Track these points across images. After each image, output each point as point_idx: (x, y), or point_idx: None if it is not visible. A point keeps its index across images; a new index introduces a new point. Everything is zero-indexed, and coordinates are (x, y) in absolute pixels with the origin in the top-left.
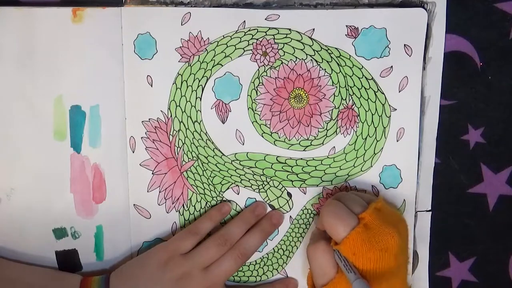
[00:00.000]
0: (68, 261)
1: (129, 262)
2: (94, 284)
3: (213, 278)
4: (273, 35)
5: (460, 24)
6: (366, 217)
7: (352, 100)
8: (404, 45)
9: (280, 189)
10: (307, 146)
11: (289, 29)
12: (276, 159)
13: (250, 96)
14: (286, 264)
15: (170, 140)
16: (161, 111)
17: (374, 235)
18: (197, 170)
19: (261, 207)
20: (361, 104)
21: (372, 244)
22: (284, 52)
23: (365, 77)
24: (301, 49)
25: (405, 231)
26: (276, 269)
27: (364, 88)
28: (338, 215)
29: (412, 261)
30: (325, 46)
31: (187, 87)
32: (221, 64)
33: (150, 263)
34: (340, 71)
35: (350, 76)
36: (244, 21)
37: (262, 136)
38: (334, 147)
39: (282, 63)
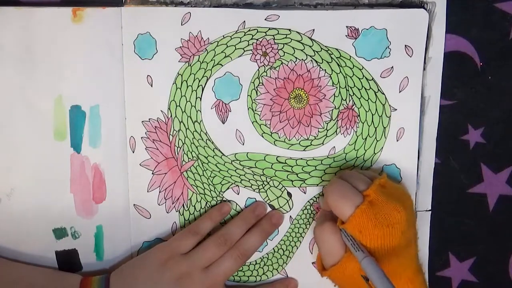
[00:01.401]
0: (68, 261)
1: (129, 262)
2: (94, 284)
3: (213, 278)
4: (273, 35)
5: (460, 24)
6: (370, 194)
7: (352, 100)
8: (405, 45)
9: (280, 189)
10: (307, 146)
11: (289, 30)
12: (276, 159)
13: (250, 96)
14: (286, 264)
15: (170, 140)
16: (161, 111)
17: (379, 211)
18: (197, 170)
19: (261, 207)
20: (361, 105)
21: (378, 220)
22: (284, 52)
23: (366, 78)
24: (301, 50)
25: (411, 206)
26: (276, 269)
27: (364, 88)
28: (343, 193)
29: None
30: (325, 46)
31: (187, 87)
32: (221, 64)
33: (150, 262)
34: (340, 71)
35: (350, 77)
36: (244, 21)
37: (262, 136)
38: (334, 147)
39: (282, 63)
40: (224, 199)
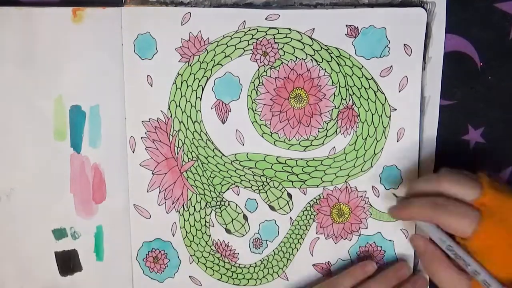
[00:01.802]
0: (68, 261)
1: None
2: None
3: None
4: (273, 35)
5: (460, 24)
6: (486, 202)
7: (352, 100)
8: (404, 44)
9: (280, 190)
10: (307, 146)
11: (289, 29)
12: (276, 160)
13: (250, 96)
14: (287, 266)
15: (170, 140)
16: (161, 111)
17: (504, 216)
18: (197, 171)
19: (404, 269)
20: (361, 104)
21: (507, 224)
22: (284, 52)
23: (365, 77)
24: (301, 49)
25: None
26: (276, 272)
27: (364, 88)
28: (456, 211)
29: (412, 261)
30: (325, 45)
31: (187, 87)
32: (221, 64)
33: None
34: (340, 70)
35: (350, 76)
36: (244, 21)
37: (262, 137)
38: (334, 147)
39: (282, 63)
40: (224, 199)
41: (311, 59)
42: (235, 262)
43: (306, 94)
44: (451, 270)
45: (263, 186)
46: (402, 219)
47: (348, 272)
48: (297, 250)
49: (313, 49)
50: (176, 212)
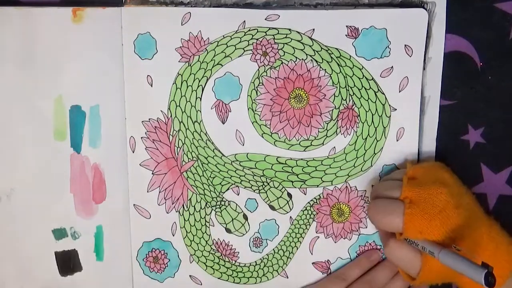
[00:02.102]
0: (68, 261)
1: None
2: None
3: None
4: (273, 35)
5: (460, 24)
6: (407, 195)
7: (352, 100)
8: (405, 45)
9: (280, 190)
10: (307, 147)
11: (289, 29)
12: (276, 160)
13: (250, 96)
14: (286, 265)
15: (170, 140)
16: (161, 111)
17: (425, 204)
18: (197, 171)
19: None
20: (361, 105)
21: (428, 213)
22: (284, 52)
23: (365, 78)
24: (301, 49)
25: (448, 175)
26: (276, 271)
27: (364, 88)
28: (383, 210)
29: None
30: (325, 46)
31: (187, 87)
32: (221, 64)
33: None
34: (340, 71)
35: (350, 77)
36: (244, 21)
37: (262, 137)
38: (334, 147)
39: (282, 63)
40: (224, 199)
41: (311, 60)
42: (235, 261)
43: (306, 95)
44: (405, 248)
45: (263, 186)
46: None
47: (354, 263)
48: (297, 249)
49: (313, 50)
50: (176, 212)
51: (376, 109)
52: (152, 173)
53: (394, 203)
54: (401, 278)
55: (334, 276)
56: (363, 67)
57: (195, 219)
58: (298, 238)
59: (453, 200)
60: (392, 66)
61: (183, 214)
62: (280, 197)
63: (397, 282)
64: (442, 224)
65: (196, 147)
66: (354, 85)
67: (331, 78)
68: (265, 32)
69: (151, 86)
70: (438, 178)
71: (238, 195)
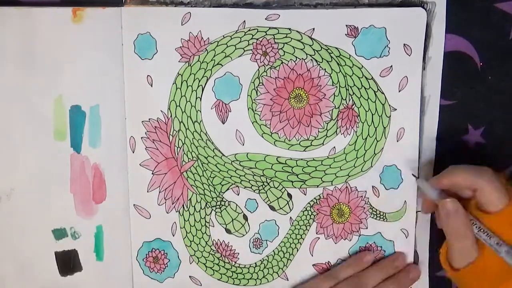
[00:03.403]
0: (68, 261)
1: None
2: None
3: None
4: (273, 35)
5: (460, 24)
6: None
7: (352, 100)
8: (404, 44)
9: (280, 190)
10: (307, 147)
11: (289, 29)
12: (276, 160)
13: (250, 96)
14: (287, 267)
15: (170, 140)
16: (161, 111)
17: None
18: (197, 171)
19: (401, 259)
20: (361, 104)
21: None
22: (284, 52)
23: (365, 77)
24: (301, 49)
25: None
26: (277, 272)
27: (364, 88)
28: (499, 185)
29: (412, 259)
30: (325, 45)
31: (187, 87)
32: (221, 64)
33: None
34: (340, 70)
35: (350, 76)
36: (244, 21)
37: (262, 137)
38: (334, 147)
39: (282, 63)
40: (224, 199)
41: (311, 59)
42: (235, 262)
43: (306, 94)
44: (471, 228)
45: (263, 186)
46: (442, 186)
47: (347, 263)
48: (297, 250)
49: (313, 49)
50: (176, 212)
51: (376, 109)
52: (152, 173)
53: (505, 188)
54: (393, 282)
55: (326, 275)
56: (362, 66)
57: (195, 219)
58: (298, 239)
59: None
60: (392, 66)
61: (183, 214)
62: (280, 197)
63: (390, 286)
64: None
65: (196, 147)
66: (354, 85)
67: (331, 77)
68: (265, 32)
69: (151, 86)
70: None
71: (238, 195)
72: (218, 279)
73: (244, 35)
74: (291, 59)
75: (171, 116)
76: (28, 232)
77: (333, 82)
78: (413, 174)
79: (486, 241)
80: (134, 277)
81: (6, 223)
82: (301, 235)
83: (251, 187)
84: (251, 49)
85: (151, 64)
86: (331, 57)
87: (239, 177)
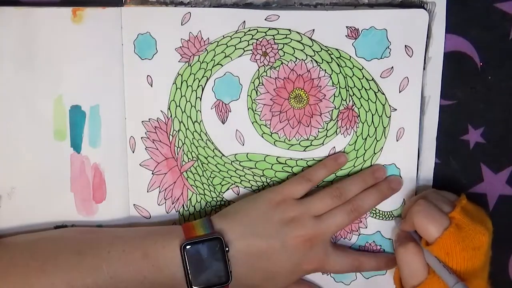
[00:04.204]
0: None
1: (237, 203)
2: (197, 226)
3: (323, 228)
4: (273, 35)
5: (460, 24)
6: (456, 216)
7: (352, 100)
8: (405, 46)
9: None
10: (307, 147)
11: (289, 30)
12: (276, 160)
13: (250, 96)
14: None
15: (170, 140)
16: (161, 111)
17: (466, 234)
18: (197, 171)
19: (381, 170)
20: (361, 105)
21: (465, 243)
22: (284, 52)
23: (366, 78)
24: (301, 50)
25: (491, 227)
26: None
27: (364, 88)
28: (431, 215)
29: None
30: (325, 47)
31: (187, 87)
32: (221, 64)
33: (262, 202)
34: (340, 71)
35: (350, 77)
36: (244, 21)
37: (262, 137)
38: (334, 147)
39: (282, 63)
40: (224, 199)
41: (311, 60)
42: None
43: (306, 95)
44: (420, 256)
45: (263, 186)
46: (407, 230)
47: (320, 163)
48: None
49: (313, 50)
50: (176, 212)
51: (376, 109)
52: (152, 173)
53: (443, 215)
54: (374, 192)
55: (299, 176)
56: (363, 67)
57: (195, 219)
58: None
59: (486, 247)
60: (392, 67)
61: (183, 214)
62: None
63: (370, 195)
64: (468, 260)
65: (196, 147)
66: (354, 86)
67: (331, 78)
68: (265, 32)
69: (151, 86)
70: (485, 223)
71: (238, 195)
72: None
73: (244, 35)
74: (291, 60)
75: (171, 116)
76: (29, 230)
77: (333, 83)
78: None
79: (435, 269)
80: None
81: (7, 221)
82: None
83: (251, 187)
84: (251, 50)
85: (151, 64)
86: (331, 58)
87: (239, 177)
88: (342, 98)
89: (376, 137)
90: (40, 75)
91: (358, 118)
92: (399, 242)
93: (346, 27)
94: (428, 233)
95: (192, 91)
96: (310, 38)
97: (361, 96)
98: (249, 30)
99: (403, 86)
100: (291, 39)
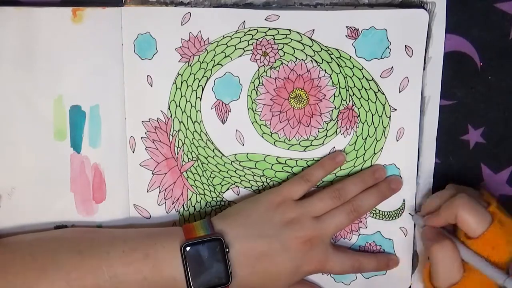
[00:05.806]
0: None
1: (237, 204)
2: (197, 227)
3: (323, 228)
4: (273, 35)
5: (460, 24)
6: (497, 212)
7: (352, 100)
8: (405, 46)
9: None
10: (307, 147)
11: (289, 30)
12: (276, 160)
13: (250, 96)
14: None
15: (170, 140)
16: (161, 111)
17: (507, 229)
18: (197, 171)
19: (381, 170)
20: (361, 105)
21: (508, 237)
22: (284, 52)
23: (366, 78)
24: (301, 50)
25: None
26: None
27: (364, 88)
28: (475, 209)
29: (412, 261)
30: (325, 47)
31: (187, 87)
32: (221, 64)
33: (262, 203)
34: (340, 71)
35: (350, 77)
36: (244, 21)
37: (262, 137)
38: (334, 147)
39: (282, 63)
40: (224, 199)
41: (311, 60)
42: None
43: (306, 95)
44: (457, 254)
45: (263, 186)
46: (440, 225)
47: (318, 164)
48: None
49: (313, 50)
50: (176, 212)
51: (376, 109)
52: (152, 173)
53: (485, 210)
54: (374, 192)
55: (297, 176)
56: (363, 67)
57: (195, 219)
58: None
59: None
60: (392, 67)
61: (183, 214)
62: None
63: (370, 196)
64: (510, 254)
65: (196, 147)
66: (354, 86)
67: (331, 78)
68: (265, 33)
69: (151, 86)
70: None
71: (238, 195)
72: None
73: (244, 35)
74: (291, 60)
75: (171, 116)
76: (29, 230)
77: (333, 83)
78: (409, 213)
79: (477, 265)
80: None
81: (7, 221)
82: None
83: (251, 187)
84: (251, 50)
85: (151, 64)
86: (331, 58)
87: (239, 177)
88: (342, 98)
89: (376, 137)
90: (40, 75)
91: (358, 118)
92: (432, 239)
93: (346, 27)
94: (474, 228)
95: (192, 91)
96: (310, 38)
97: (361, 96)
98: (249, 30)
99: (403, 86)
100: (291, 39)
